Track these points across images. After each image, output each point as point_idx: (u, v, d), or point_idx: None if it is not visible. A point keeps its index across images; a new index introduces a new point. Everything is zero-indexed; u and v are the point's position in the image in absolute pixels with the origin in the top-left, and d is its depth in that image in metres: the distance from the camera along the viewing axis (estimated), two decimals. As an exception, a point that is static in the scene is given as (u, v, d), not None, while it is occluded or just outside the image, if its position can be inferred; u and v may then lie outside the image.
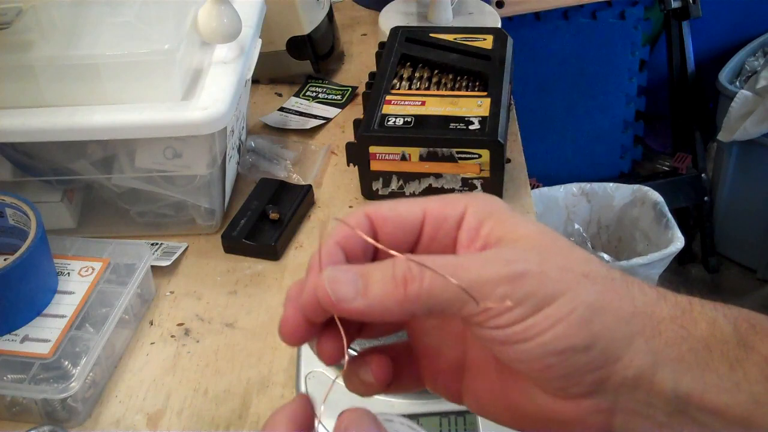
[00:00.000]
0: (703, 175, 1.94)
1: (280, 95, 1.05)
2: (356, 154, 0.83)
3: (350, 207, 0.85)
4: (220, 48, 0.79)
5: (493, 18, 1.08)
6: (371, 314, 0.31)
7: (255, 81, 1.05)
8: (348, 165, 0.85)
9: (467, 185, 0.82)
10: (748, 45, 1.99)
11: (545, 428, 0.32)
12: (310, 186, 0.85)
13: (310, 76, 1.07)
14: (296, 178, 0.88)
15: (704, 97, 1.96)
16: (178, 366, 0.68)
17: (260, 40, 0.86)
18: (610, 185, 1.77)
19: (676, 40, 1.91)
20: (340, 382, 0.36)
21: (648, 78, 1.96)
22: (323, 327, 0.34)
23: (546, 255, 0.31)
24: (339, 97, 1.03)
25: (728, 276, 2.02)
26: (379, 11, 1.12)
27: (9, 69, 0.72)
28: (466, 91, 0.87)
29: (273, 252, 0.78)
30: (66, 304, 0.67)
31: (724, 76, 1.91)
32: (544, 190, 1.76)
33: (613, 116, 1.99)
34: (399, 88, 0.87)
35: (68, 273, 0.70)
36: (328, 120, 0.99)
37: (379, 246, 0.34)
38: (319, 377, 0.59)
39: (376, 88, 0.87)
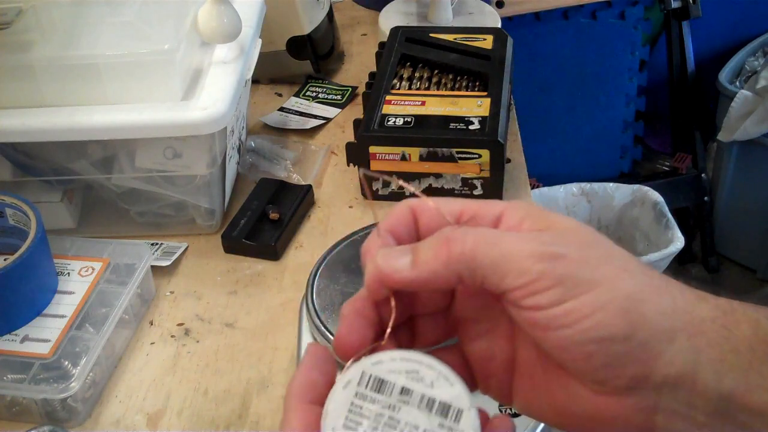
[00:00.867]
0: (703, 175, 1.94)
1: (280, 95, 1.05)
2: (356, 154, 0.83)
3: (350, 207, 0.85)
4: (220, 48, 0.79)
5: (493, 18, 1.08)
6: (421, 279, 0.33)
7: (255, 81, 1.05)
8: (348, 165, 0.85)
9: (467, 185, 0.82)
10: (748, 45, 1.99)
11: (589, 427, 0.33)
12: (310, 186, 0.85)
13: (310, 76, 1.07)
14: (296, 178, 0.88)
15: (704, 97, 1.96)
16: (178, 366, 0.68)
17: (260, 40, 0.86)
18: (610, 185, 1.77)
19: (676, 40, 1.91)
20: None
21: (648, 78, 1.96)
22: (376, 338, 0.35)
23: (586, 245, 0.32)
24: (339, 97, 1.03)
25: (728, 276, 2.02)
26: (379, 11, 1.12)
27: (9, 69, 0.72)
28: (466, 91, 0.87)
29: (273, 252, 0.78)
30: (66, 304, 0.67)
31: (724, 76, 1.90)
32: (544, 190, 1.76)
33: (613, 116, 1.99)
34: (399, 88, 0.87)
35: (68, 273, 0.70)
36: (328, 120, 0.99)
37: (446, 218, 0.35)
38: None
39: (376, 88, 0.87)
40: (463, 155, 0.80)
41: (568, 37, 1.85)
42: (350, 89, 1.04)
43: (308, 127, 0.97)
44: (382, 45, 0.98)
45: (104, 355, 0.65)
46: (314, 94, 1.04)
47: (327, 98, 1.03)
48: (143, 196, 0.80)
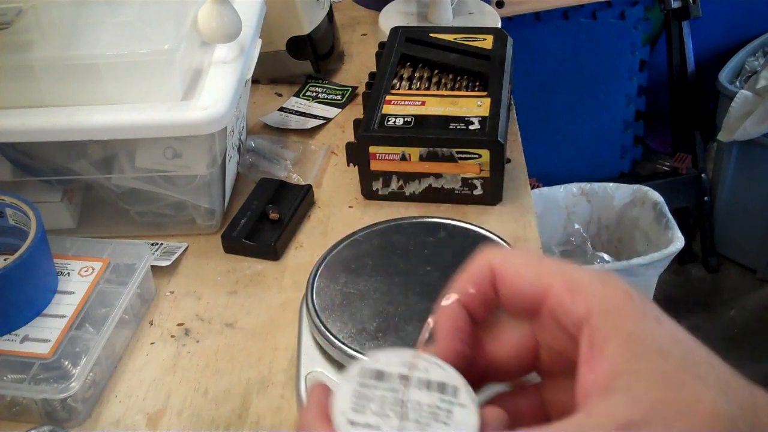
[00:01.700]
0: (703, 175, 1.94)
1: (280, 95, 1.05)
2: (356, 154, 0.83)
3: (350, 207, 0.85)
4: (220, 48, 0.79)
5: (493, 18, 1.08)
6: None
7: (255, 81, 1.05)
8: (348, 165, 0.85)
9: (467, 185, 0.82)
10: (748, 45, 1.99)
11: None
12: (310, 186, 0.85)
13: (310, 76, 1.07)
14: (296, 178, 0.88)
15: (704, 97, 1.96)
16: (178, 366, 0.68)
17: (260, 40, 0.86)
18: (610, 185, 1.77)
19: (676, 40, 1.91)
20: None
21: (648, 78, 1.96)
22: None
23: (667, 404, 0.29)
24: (339, 97, 1.03)
25: (728, 276, 2.02)
26: (379, 11, 1.12)
27: (9, 69, 0.72)
28: (466, 91, 0.87)
29: (273, 252, 0.78)
30: (66, 304, 0.67)
31: (724, 76, 1.91)
32: (544, 190, 1.76)
33: (613, 116, 1.99)
34: (399, 88, 0.87)
35: (68, 273, 0.70)
36: (328, 120, 0.99)
37: None
38: (319, 377, 0.59)
39: (376, 88, 0.87)
40: (463, 155, 0.80)
41: (568, 37, 1.85)
42: (350, 89, 1.04)
43: (308, 127, 0.97)
44: (382, 45, 0.98)
45: (104, 355, 0.65)
46: (314, 94, 1.04)
47: (327, 98, 1.03)
48: (143, 196, 0.80)
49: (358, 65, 1.11)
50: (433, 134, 0.80)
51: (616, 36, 1.87)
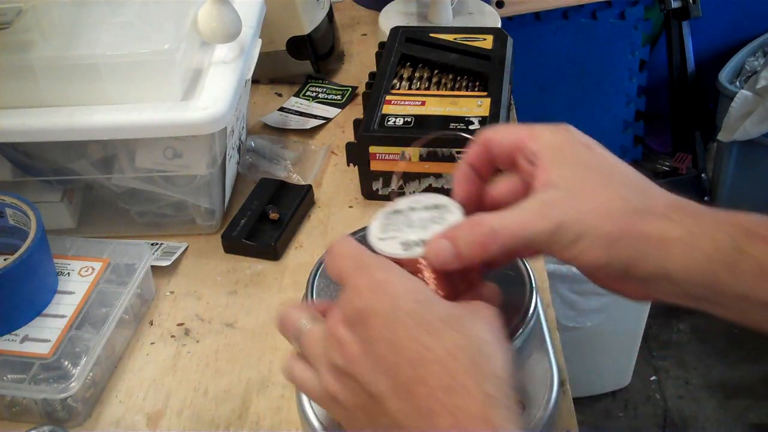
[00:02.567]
0: (703, 175, 1.94)
1: (280, 95, 1.05)
2: (356, 154, 0.83)
3: (350, 207, 0.85)
4: (220, 48, 0.79)
5: (493, 18, 1.08)
6: (465, 265, 0.45)
7: (255, 81, 1.05)
8: (348, 165, 0.85)
9: (467, 185, 0.82)
10: (748, 45, 1.99)
11: (614, 292, 0.48)
12: (310, 186, 0.85)
13: (310, 76, 1.07)
14: (296, 178, 0.88)
15: (704, 97, 1.96)
16: (178, 366, 0.68)
17: (260, 40, 0.86)
18: (610, 185, 1.76)
19: (676, 40, 1.91)
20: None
21: (648, 78, 1.96)
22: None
23: (579, 200, 0.44)
24: (339, 97, 1.03)
25: (728, 276, 2.02)
26: (379, 11, 1.12)
27: (9, 69, 0.72)
28: (466, 91, 0.87)
29: (273, 252, 0.78)
30: (66, 304, 0.67)
31: (724, 76, 1.91)
32: (544, 190, 1.75)
33: (613, 116, 1.99)
34: (399, 88, 0.87)
35: (68, 273, 0.70)
36: (328, 120, 0.99)
37: None
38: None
39: (376, 88, 0.87)
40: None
41: (568, 37, 1.85)
42: (350, 89, 1.04)
43: (308, 127, 0.97)
44: (382, 45, 0.98)
45: (104, 355, 0.65)
46: (314, 94, 1.04)
47: (327, 98, 1.03)
48: (143, 196, 0.80)
49: (358, 65, 1.11)
50: (433, 134, 0.80)
51: (616, 36, 1.87)
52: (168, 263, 0.77)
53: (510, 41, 0.94)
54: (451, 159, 0.80)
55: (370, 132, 0.81)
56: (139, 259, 0.71)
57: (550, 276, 0.75)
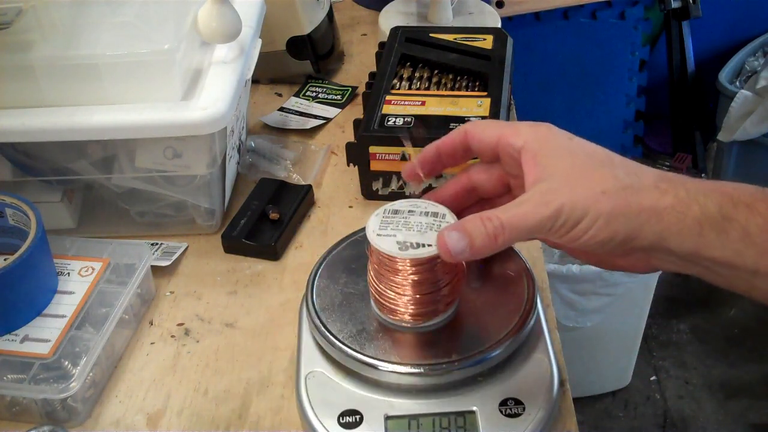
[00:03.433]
0: (703, 175, 1.94)
1: (280, 95, 1.05)
2: (356, 154, 0.83)
3: (350, 207, 0.85)
4: (220, 48, 0.79)
5: (493, 18, 1.08)
6: (476, 258, 0.49)
7: (255, 81, 1.05)
8: (348, 165, 0.85)
9: (467, 185, 0.82)
10: (748, 45, 1.99)
11: (618, 268, 0.52)
12: (310, 186, 0.85)
13: (310, 76, 1.07)
14: (296, 178, 0.88)
15: (704, 97, 1.96)
16: (178, 366, 0.68)
17: (260, 40, 0.86)
18: (610, 185, 1.76)
19: (676, 40, 1.91)
20: None
21: (648, 78, 1.96)
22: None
23: (573, 185, 0.47)
24: (339, 97, 1.03)
25: (728, 276, 2.02)
26: (379, 11, 1.12)
27: (9, 69, 0.72)
28: (466, 91, 0.87)
29: (273, 252, 0.78)
30: (66, 304, 0.67)
31: (724, 76, 1.91)
32: (544, 190, 1.75)
33: (613, 116, 1.99)
34: (399, 88, 0.87)
35: (68, 273, 0.70)
36: (328, 120, 0.99)
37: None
38: (319, 377, 0.59)
39: (376, 88, 0.87)
40: (463, 155, 0.79)
41: (568, 37, 1.85)
42: (350, 89, 1.04)
43: (308, 127, 0.97)
44: (382, 45, 0.98)
45: (104, 355, 0.65)
46: (314, 94, 1.04)
47: (327, 98, 1.03)
48: (143, 196, 0.80)
49: (358, 65, 1.11)
50: (433, 134, 0.79)
51: (616, 36, 1.87)
52: (168, 263, 0.77)
53: (510, 41, 0.94)
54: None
55: (370, 132, 0.81)
56: (139, 259, 0.71)
57: (550, 276, 0.75)
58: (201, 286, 0.76)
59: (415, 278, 0.55)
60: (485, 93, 0.85)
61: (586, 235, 0.47)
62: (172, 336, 0.71)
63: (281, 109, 1.01)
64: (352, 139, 0.84)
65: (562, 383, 0.60)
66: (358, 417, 0.56)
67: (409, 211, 0.56)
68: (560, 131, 0.52)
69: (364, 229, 0.56)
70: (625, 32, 1.87)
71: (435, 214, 0.56)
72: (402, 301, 0.57)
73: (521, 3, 1.69)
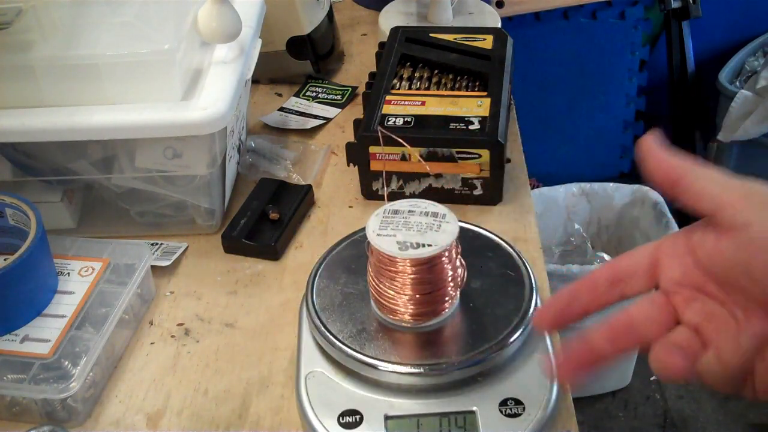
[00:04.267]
0: (703, 175, 1.94)
1: (280, 95, 1.05)
2: (356, 154, 0.83)
3: (350, 207, 0.85)
4: (220, 48, 0.79)
5: (493, 18, 1.08)
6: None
7: (255, 81, 1.05)
8: (348, 165, 0.85)
9: (467, 185, 0.82)
10: (748, 45, 1.99)
11: None
12: (310, 186, 0.85)
13: (310, 76, 1.07)
14: (296, 178, 0.88)
15: (704, 97, 1.96)
16: (178, 366, 0.68)
17: (260, 40, 0.86)
18: (610, 185, 1.77)
19: (676, 40, 1.91)
20: None
21: (648, 78, 1.96)
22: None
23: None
24: (339, 97, 1.03)
25: (728, 276, 2.02)
26: (379, 11, 1.12)
27: (9, 69, 0.72)
28: (466, 91, 0.87)
29: (273, 252, 0.78)
30: (66, 304, 0.67)
31: (724, 76, 1.91)
32: (544, 190, 1.76)
33: (613, 116, 1.99)
34: (399, 88, 0.87)
35: (68, 273, 0.70)
36: (328, 120, 0.99)
37: None
38: (319, 377, 0.59)
39: (376, 88, 0.87)
40: (463, 155, 0.80)
41: (568, 37, 1.85)
42: (350, 89, 1.04)
43: (308, 127, 0.97)
44: (382, 45, 0.98)
45: (104, 355, 0.65)
46: (314, 94, 1.04)
47: (327, 98, 1.03)
48: (143, 196, 0.80)
49: (358, 65, 1.11)
50: (433, 134, 0.80)
51: (616, 36, 1.87)
52: (168, 263, 0.77)
53: (510, 41, 0.94)
54: (452, 159, 0.80)
55: (370, 132, 0.81)
56: (139, 259, 0.71)
57: (550, 276, 0.75)
58: (201, 286, 0.76)
59: (415, 278, 0.55)
60: (485, 93, 0.85)
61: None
62: (172, 336, 0.71)
63: (281, 109, 1.01)
64: (352, 139, 0.84)
65: (562, 383, 0.60)
66: (358, 417, 0.56)
67: (409, 211, 0.57)
68: None
69: (364, 229, 0.56)
70: (625, 32, 1.87)
71: (435, 214, 0.56)
72: (402, 301, 0.57)
73: (521, 3, 1.69)
